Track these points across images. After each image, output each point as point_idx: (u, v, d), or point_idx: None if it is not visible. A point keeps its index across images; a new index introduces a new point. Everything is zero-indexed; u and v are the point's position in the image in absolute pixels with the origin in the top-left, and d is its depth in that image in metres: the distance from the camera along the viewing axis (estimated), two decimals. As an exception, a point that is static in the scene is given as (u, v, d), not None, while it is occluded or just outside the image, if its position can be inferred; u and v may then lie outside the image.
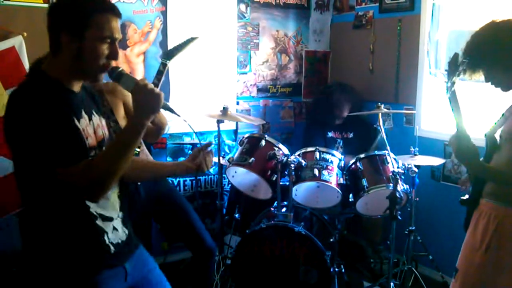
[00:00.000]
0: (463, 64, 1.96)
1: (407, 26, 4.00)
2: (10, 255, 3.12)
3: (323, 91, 4.37)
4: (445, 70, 2.03)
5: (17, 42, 3.13)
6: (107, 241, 1.70)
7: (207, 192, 4.28)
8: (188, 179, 4.14)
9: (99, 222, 1.68)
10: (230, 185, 4.04)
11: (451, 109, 2.00)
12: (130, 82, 1.63)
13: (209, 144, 2.02)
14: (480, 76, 2.09)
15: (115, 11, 1.62)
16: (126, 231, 1.82)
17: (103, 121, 1.79)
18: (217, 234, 3.71)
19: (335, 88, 4.20)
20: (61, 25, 1.57)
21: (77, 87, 1.68)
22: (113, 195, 1.77)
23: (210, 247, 3.01)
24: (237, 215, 3.61)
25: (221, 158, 3.48)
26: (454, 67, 1.98)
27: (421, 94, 3.93)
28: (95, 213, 1.67)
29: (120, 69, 1.66)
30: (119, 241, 1.76)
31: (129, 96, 2.79)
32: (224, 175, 3.53)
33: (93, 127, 1.70)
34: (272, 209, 3.36)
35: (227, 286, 3.33)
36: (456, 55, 2.00)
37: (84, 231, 1.65)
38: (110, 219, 1.73)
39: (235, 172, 3.39)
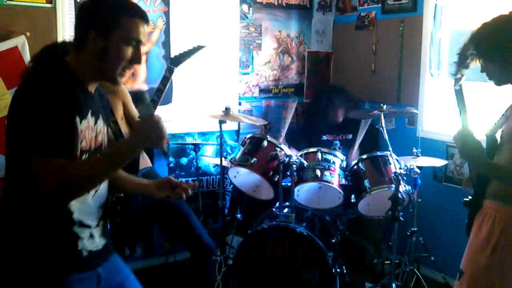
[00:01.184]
0: (472, 56, 1.94)
1: (409, 27, 4.00)
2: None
3: (316, 94, 4.35)
4: (454, 62, 2.02)
5: (20, 42, 3.14)
6: (79, 247, 1.66)
7: (209, 193, 4.28)
8: (190, 179, 4.15)
9: (76, 227, 1.65)
10: (232, 185, 4.04)
11: (457, 103, 1.98)
12: (147, 111, 1.65)
13: (194, 185, 1.94)
14: (476, 64, 2.05)
15: (144, 17, 1.65)
16: (103, 241, 1.79)
17: (105, 129, 1.78)
18: (219, 235, 3.72)
19: (326, 92, 4.16)
20: (90, 22, 1.60)
21: (92, 88, 1.68)
22: (96, 203, 1.74)
23: (208, 245, 3.00)
24: (239, 216, 3.61)
25: (223, 158, 3.48)
26: (463, 59, 1.96)
27: (423, 95, 3.93)
28: (75, 219, 1.64)
29: (145, 94, 1.68)
30: (93, 249, 1.72)
31: (129, 97, 2.80)
32: (226, 176, 3.53)
33: (95, 131, 1.69)
34: (274, 209, 3.35)
35: (228, 286, 3.33)
36: (466, 45, 1.98)
37: (60, 234, 1.62)
38: (88, 226, 1.70)
39: (237, 172, 3.39)
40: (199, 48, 2.78)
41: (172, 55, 2.78)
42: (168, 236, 3.94)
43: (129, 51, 1.62)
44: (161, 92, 2.61)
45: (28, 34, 3.16)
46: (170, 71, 2.61)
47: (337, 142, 3.86)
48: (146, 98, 1.69)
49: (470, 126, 1.97)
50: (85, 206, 1.67)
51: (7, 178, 1.63)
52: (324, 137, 4.11)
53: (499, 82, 2.05)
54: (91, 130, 1.66)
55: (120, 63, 1.62)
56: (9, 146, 1.59)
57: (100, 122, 1.72)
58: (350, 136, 4.11)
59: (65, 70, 1.60)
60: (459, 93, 1.98)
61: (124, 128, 2.78)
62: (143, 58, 3.78)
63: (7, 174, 1.63)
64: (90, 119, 1.64)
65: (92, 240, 1.72)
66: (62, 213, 1.61)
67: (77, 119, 1.56)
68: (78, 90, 1.59)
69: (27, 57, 3.14)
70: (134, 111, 2.89)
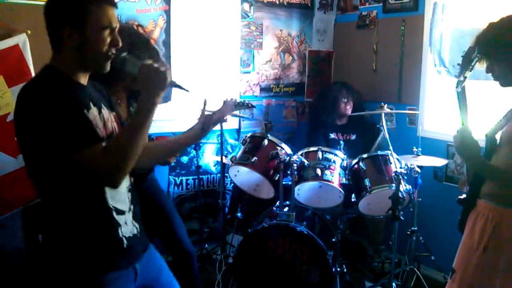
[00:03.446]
0: (477, 58, 1.94)
1: (410, 26, 3.99)
2: (12, 253, 3.13)
3: (323, 90, 4.37)
4: (458, 64, 2.03)
5: (21, 40, 3.14)
6: (120, 235, 1.70)
7: (210, 191, 4.28)
8: (191, 178, 4.15)
9: (115, 215, 1.69)
10: (232, 184, 4.05)
11: (458, 104, 1.99)
12: (135, 65, 1.68)
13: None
14: (482, 66, 2.06)
15: (110, 1, 1.67)
16: (137, 225, 1.83)
17: (112, 115, 1.81)
18: (219, 233, 3.72)
19: (335, 86, 4.19)
20: (61, 19, 1.62)
21: (84, 80, 1.71)
22: (124, 188, 1.78)
23: (187, 251, 2.91)
24: (239, 214, 3.62)
25: (223, 157, 3.48)
26: (467, 61, 1.97)
27: (424, 94, 3.93)
28: (111, 206, 1.68)
29: (123, 54, 1.71)
30: (131, 235, 1.76)
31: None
32: (226, 174, 3.53)
33: (103, 120, 1.71)
34: (274, 208, 3.36)
35: (229, 285, 3.33)
36: (471, 49, 1.98)
37: (102, 224, 1.67)
38: (123, 212, 1.74)
39: (238, 171, 3.39)
40: (251, 106, 2.89)
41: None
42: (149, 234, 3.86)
43: (106, 36, 1.64)
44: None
45: (29, 32, 3.16)
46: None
47: (342, 142, 3.87)
48: (125, 56, 1.71)
49: (470, 126, 1.98)
50: (116, 192, 1.70)
51: (38, 183, 1.65)
52: (332, 135, 4.12)
53: (505, 83, 2.05)
54: (100, 120, 1.69)
55: (102, 48, 1.64)
56: (34, 154, 1.60)
57: (105, 110, 1.75)
58: (354, 136, 4.11)
59: (51, 72, 1.63)
60: (461, 95, 1.98)
61: None
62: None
63: (37, 180, 1.64)
64: (94, 109, 1.67)
65: (127, 226, 1.75)
66: (98, 202, 1.65)
67: (86, 112, 1.60)
68: (70, 86, 1.63)
69: (28, 55, 3.14)
70: None
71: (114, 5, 1.68)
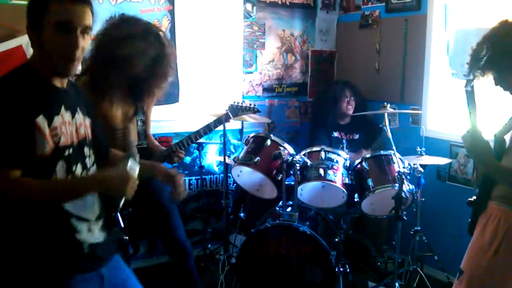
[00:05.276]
0: (485, 58, 1.91)
1: (413, 25, 3.99)
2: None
3: (325, 88, 4.36)
4: (466, 63, 2.00)
5: (25, 41, 3.14)
6: (79, 239, 1.65)
7: (213, 191, 4.29)
8: (193, 178, 4.15)
9: (73, 220, 1.64)
10: (235, 184, 4.05)
11: (467, 104, 1.95)
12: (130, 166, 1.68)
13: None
14: (488, 77, 2.04)
15: None
16: (104, 234, 1.78)
17: (87, 121, 1.77)
18: (222, 233, 3.72)
19: (337, 85, 4.20)
20: (27, 21, 1.59)
21: (59, 82, 1.65)
22: (91, 197, 1.73)
23: (183, 247, 2.90)
24: (242, 214, 3.61)
25: (226, 157, 3.49)
26: (476, 60, 1.94)
27: (427, 94, 3.92)
28: (70, 211, 1.63)
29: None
30: (95, 242, 1.71)
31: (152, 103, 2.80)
32: (229, 175, 3.53)
33: (75, 125, 1.68)
34: (277, 208, 3.36)
35: (232, 285, 3.34)
36: (479, 46, 1.95)
37: (56, 227, 1.61)
38: (86, 219, 1.69)
39: (241, 171, 3.39)
40: (256, 110, 3.06)
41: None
42: (145, 231, 3.82)
43: (64, 36, 1.55)
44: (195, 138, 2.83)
45: (32, 33, 3.17)
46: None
47: (344, 141, 3.87)
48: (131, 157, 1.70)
49: (479, 126, 1.95)
50: (80, 201, 1.66)
51: None
52: (335, 134, 4.12)
53: None
54: (69, 125, 1.64)
55: (58, 50, 1.56)
56: None
57: (79, 115, 1.71)
58: (357, 136, 4.11)
59: (26, 71, 1.60)
60: (470, 94, 1.95)
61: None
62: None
63: None
64: (64, 113, 1.62)
65: (91, 233, 1.71)
66: (54, 207, 1.60)
67: (40, 118, 1.53)
68: (42, 88, 1.58)
69: (31, 56, 3.15)
70: (150, 118, 2.88)
71: (81, 2, 1.57)
